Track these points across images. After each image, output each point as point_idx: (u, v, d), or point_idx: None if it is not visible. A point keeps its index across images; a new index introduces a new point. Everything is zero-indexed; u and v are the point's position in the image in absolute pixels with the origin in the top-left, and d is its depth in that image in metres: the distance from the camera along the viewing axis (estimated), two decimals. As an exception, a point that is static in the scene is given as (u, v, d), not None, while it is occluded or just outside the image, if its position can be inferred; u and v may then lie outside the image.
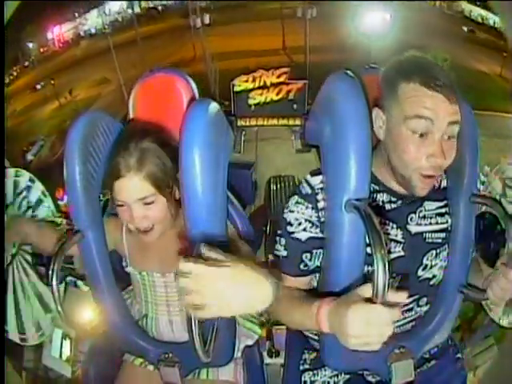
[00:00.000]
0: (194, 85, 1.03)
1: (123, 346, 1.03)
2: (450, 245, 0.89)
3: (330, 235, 0.82)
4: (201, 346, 0.72)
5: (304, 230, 0.84)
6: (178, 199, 0.88)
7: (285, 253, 0.87)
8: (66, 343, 1.60)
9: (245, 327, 1.06)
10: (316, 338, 0.93)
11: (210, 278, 0.55)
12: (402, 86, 0.75)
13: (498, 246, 1.12)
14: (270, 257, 0.92)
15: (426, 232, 0.87)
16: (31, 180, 1.29)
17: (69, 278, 1.52)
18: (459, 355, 1.02)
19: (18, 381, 1.32)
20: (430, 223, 0.87)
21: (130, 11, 8.91)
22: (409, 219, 0.86)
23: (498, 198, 1.19)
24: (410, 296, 0.88)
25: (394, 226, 0.85)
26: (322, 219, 0.83)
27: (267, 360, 1.54)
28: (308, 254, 0.85)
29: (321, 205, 0.83)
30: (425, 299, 0.91)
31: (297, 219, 0.85)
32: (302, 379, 0.97)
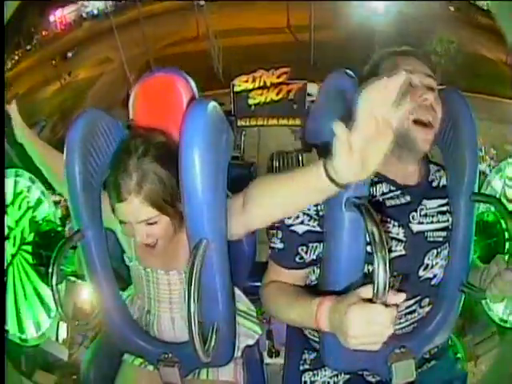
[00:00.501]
0: (193, 84, 1.02)
1: (123, 346, 1.03)
2: (450, 243, 0.89)
3: (329, 233, 0.82)
4: (201, 346, 0.72)
5: (301, 223, 0.86)
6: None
7: (281, 245, 0.88)
8: (63, 326, 1.58)
9: (245, 327, 1.06)
10: (316, 338, 0.93)
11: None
12: (384, 62, 0.87)
13: (498, 245, 1.12)
14: (271, 232, 0.94)
15: (427, 231, 0.87)
16: (31, 180, 1.29)
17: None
18: (459, 355, 1.02)
19: (18, 381, 1.32)
20: (432, 222, 0.87)
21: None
22: (411, 217, 0.86)
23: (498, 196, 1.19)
24: (411, 297, 0.88)
25: (396, 224, 0.85)
26: (321, 213, 0.84)
27: (267, 360, 1.54)
28: (304, 247, 0.87)
29: None
30: (427, 300, 0.90)
31: None
32: (302, 379, 0.97)
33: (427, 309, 0.92)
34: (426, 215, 0.87)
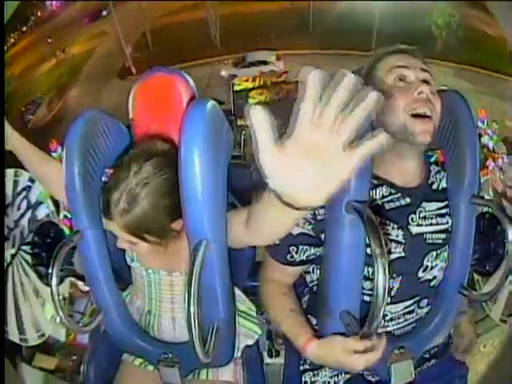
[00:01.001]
0: (193, 84, 1.02)
1: (122, 346, 1.03)
2: (450, 246, 0.89)
3: (329, 236, 0.82)
4: (201, 347, 0.72)
5: (297, 225, 0.87)
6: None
7: (277, 241, 0.89)
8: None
9: (245, 327, 1.06)
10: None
11: None
12: (380, 61, 0.88)
13: (498, 246, 1.12)
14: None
15: (426, 233, 0.87)
16: (31, 180, 1.29)
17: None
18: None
19: (18, 381, 1.32)
20: (431, 224, 0.87)
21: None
22: (410, 219, 0.86)
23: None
24: (410, 298, 0.88)
25: (395, 226, 0.85)
26: (318, 217, 0.85)
27: (267, 360, 1.54)
28: (294, 248, 0.89)
29: None
30: (425, 301, 0.91)
31: None
32: (303, 379, 0.98)
33: (426, 309, 0.92)
34: (424, 217, 0.87)
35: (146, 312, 1.03)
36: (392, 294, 0.86)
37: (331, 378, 0.95)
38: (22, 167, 1.00)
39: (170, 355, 0.95)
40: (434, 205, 0.88)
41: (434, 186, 0.91)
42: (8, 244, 1.25)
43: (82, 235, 0.88)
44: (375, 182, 0.84)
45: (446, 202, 0.90)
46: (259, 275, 1.00)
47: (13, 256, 1.23)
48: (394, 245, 0.84)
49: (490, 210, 0.87)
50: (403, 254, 0.85)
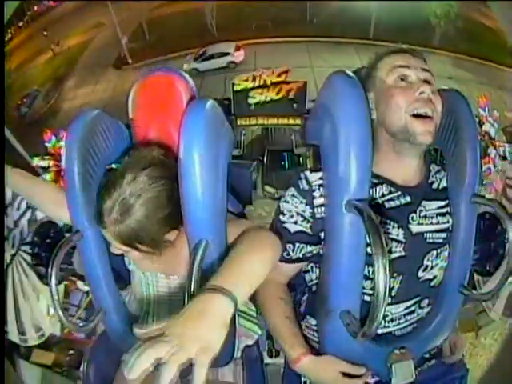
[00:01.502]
0: (193, 84, 1.02)
1: (122, 346, 1.03)
2: (450, 245, 0.89)
3: (330, 235, 0.82)
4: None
5: (295, 222, 0.88)
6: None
7: None
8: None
9: (245, 327, 1.05)
10: (316, 338, 0.93)
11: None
12: (380, 61, 0.88)
13: (498, 246, 1.12)
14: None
15: (426, 232, 0.87)
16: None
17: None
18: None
19: (18, 381, 1.32)
20: (431, 223, 0.87)
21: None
22: (410, 218, 0.85)
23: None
24: (411, 298, 0.88)
25: (396, 225, 0.84)
26: (317, 215, 0.85)
27: (267, 360, 1.54)
28: (291, 245, 0.90)
29: (317, 201, 0.85)
30: (426, 301, 0.91)
31: (290, 211, 0.89)
32: (302, 379, 0.97)
33: (427, 310, 0.92)
34: (425, 216, 0.87)
35: (143, 313, 1.03)
36: (393, 294, 0.86)
37: (331, 378, 0.95)
38: (22, 167, 1.00)
39: (170, 355, 0.95)
40: (435, 204, 0.88)
41: (434, 186, 0.91)
42: (8, 244, 1.25)
43: (81, 235, 0.88)
44: (375, 180, 0.84)
45: (447, 201, 0.89)
46: None
47: (12, 256, 1.23)
48: (394, 244, 0.84)
49: (491, 209, 0.86)
50: (403, 254, 0.85)
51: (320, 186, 0.85)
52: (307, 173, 0.88)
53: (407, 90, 0.82)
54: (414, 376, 0.87)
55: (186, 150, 0.77)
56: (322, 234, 0.86)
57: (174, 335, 0.54)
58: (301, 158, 6.18)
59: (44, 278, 1.27)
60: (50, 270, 0.84)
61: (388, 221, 0.84)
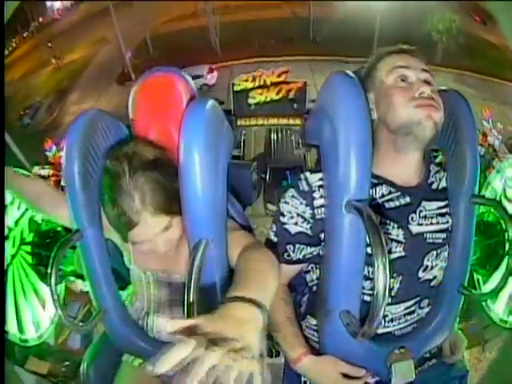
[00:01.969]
0: (193, 84, 1.02)
1: (122, 347, 1.03)
2: (450, 245, 0.89)
3: (330, 235, 0.82)
4: (200, 347, 0.71)
5: (295, 224, 0.88)
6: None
7: (275, 239, 0.92)
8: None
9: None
10: (316, 338, 0.93)
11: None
12: (380, 61, 0.87)
13: (498, 246, 1.12)
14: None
15: (426, 232, 0.87)
16: (31, 180, 1.29)
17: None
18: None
19: (18, 381, 1.32)
20: (431, 223, 0.87)
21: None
22: (410, 219, 0.85)
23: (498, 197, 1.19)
24: (411, 298, 0.88)
25: (395, 225, 0.84)
26: (318, 216, 0.85)
27: (267, 360, 1.53)
28: (291, 246, 0.89)
29: (317, 203, 0.85)
30: (426, 301, 0.91)
31: (290, 212, 0.88)
32: (302, 379, 0.97)
33: (427, 310, 0.92)
34: (425, 217, 0.87)
35: (144, 313, 1.03)
36: (392, 294, 0.86)
37: (331, 378, 0.95)
38: (22, 167, 1.00)
39: (170, 355, 0.95)
40: (435, 204, 0.88)
41: (434, 186, 0.91)
42: (8, 244, 1.25)
43: (81, 235, 0.88)
44: (375, 181, 0.84)
45: (447, 202, 0.89)
46: None
47: (13, 256, 1.23)
48: (394, 244, 0.84)
49: (491, 209, 0.86)
50: (403, 254, 0.85)
51: (320, 186, 0.85)
52: (307, 174, 0.88)
53: (407, 90, 0.82)
54: (414, 376, 0.87)
55: (186, 150, 0.78)
56: (322, 235, 0.87)
57: (221, 338, 0.51)
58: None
59: (44, 278, 1.27)
60: (50, 269, 0.84)
61: (388, 221, 0.84)
